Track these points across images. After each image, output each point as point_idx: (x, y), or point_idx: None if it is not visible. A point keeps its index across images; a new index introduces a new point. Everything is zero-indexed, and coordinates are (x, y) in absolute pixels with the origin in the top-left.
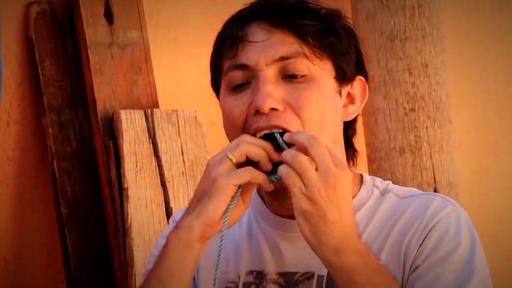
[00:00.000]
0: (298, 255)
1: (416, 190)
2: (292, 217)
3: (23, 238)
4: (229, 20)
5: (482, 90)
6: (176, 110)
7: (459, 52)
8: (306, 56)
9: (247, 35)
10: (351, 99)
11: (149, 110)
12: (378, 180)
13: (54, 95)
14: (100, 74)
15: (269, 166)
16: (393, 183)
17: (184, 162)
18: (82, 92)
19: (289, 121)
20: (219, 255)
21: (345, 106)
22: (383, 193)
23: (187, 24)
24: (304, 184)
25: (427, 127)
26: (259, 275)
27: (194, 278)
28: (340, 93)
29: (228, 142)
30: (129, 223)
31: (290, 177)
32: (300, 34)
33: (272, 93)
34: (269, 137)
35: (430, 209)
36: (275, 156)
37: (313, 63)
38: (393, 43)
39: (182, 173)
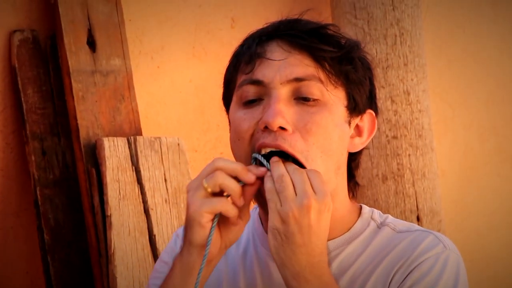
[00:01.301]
0: None
1: (415, 226)
2: None
3: (4, 266)
4: (249, 36)
5: (464, 117)
6: (159, 137)
7: (440, 78)
8: (320, 81)
9: (266, 52)
10: (359, 131)
11: (132, 138)
12: (376, 213)
13: (36, 123)
14: (82, 102)
15: (240, 202)
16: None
17: (167, 190)
18: (65, 119)
19: (294, 145)
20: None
21: (352, 137)
22: (380, 226)
23: (169, 52)
24: (280, 203)
25: (409, 155)
26: None
27: None
28: (349, 123)
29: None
30: (112, 250)
31: (270, 192)
32: (318, 58)
33: (283, 112)
34: (274, 154)
35: (419, 247)
36: (255, 171)
37: (326, 89)
38: (375, 71)
39: (166, 201)
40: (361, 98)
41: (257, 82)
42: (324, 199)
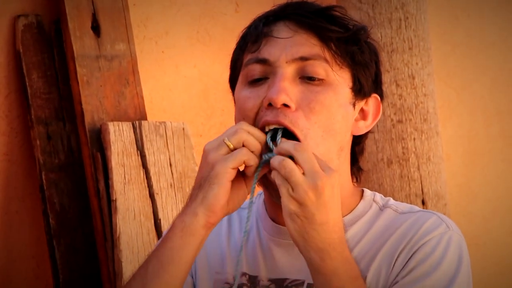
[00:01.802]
0: (290, 262)
1: (416, 207)
2: None
3: (10, 251)
4: (257, 18)
5: (469, 101)
6: (164, 122)
7: (445, 63)
8: (326, 60)
9: (272, 31)
10: (364, 115)
11: (137, 122)
12: (378, 196)
13: (41, 107)
14: (87, 86)
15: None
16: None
17: (172, 174)
18: (70, 104)
19: (295, 122)
20: (245, 232)
21: (356, 120)
22: (382, 208)
23: (174, 36)
24: (292, 188)
25: (414, 139)
26: (252, 280)
27: (192, 277)
28: (354, 105)
29: None
30: (117, 235)
31: (278, 178)
32: (324, 38)
33: (287, 90)
34: (276, 131)
35: (422, 228)
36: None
37: (332, 69)
38: (380, 55)
39: (171, 185)
40: (367, 81)
41: (263, 61)
42: (333, 175)
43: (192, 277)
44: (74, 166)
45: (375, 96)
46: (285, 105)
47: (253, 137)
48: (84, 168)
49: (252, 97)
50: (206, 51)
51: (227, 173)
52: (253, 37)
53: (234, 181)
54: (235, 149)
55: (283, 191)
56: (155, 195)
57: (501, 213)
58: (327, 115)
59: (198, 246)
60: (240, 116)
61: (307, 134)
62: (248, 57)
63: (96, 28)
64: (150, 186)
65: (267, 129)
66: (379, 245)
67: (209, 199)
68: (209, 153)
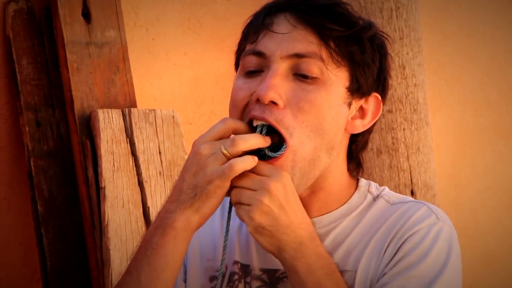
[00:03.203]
0: None
1: (408, 198)
2: None
3: None
4: (264, 6)
5: (459, 92)
6: (154, 110)
7: (436, 53)
8: (321, 59)
9: (272, 24)
10: (363, 113)
11: (126, 110)
12: (373, 185)
13: (31, 94)
14: (77, 73)
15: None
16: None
17: (161, 162)
18: (59, 90)
19: (281, 120)
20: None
21: (353, 118)
22: (376, 198)
23: (165, 24)
24: (246, 205)
25: (404, 129)
26: (244, 268)
27: (184, 264)
28: (349, 104)
29: None
30: (106, 223)
31: (237, 208)
32: (322, 35)
33: (276, 87)
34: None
35: (411, 219)
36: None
37: (327, 67)
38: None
39: (160, 173)
40: (366, 81)
41: (259, 54)
42: (282, 176)
43: (184, 265)
44: (63, 153)
45: (375, 95)
46: (273, 102)
47: (249, 142)
48: (73, 155)
49: (244, 88)
50: (197, 38)
51: (225, 188)
52: (254, 27)
53: None
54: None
55: (241, 213)
56: (144, 183)
57: (490, 204)
58: (316, 115)
59: (187, 247)
60: (231, 105)
61: (292, 133)
62: (247, 47)
63: (86, 15)
64: (139, 174)
65: (255, 124)
66: (369, 236)
67: (205, 210)
68: (206, 162)
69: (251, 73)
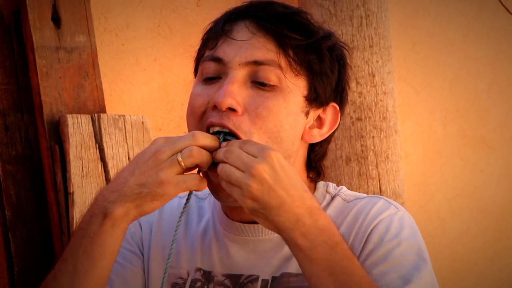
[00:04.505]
0: (245, 258)
1: (363, 194)
2: (243, 221)
3: None
4: (224, 13)
5: (428, 100)
6: (123, 115)
7: (405, 61)
8: (280, 67)
9: (232, 31)
10: (320, 123)
11: (96, 115)
12: (331, 186)
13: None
14: (46, 78)
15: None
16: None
17: None
18: (28, 95)
19: (239, 126)
20: (170, 253)
21: (311, 128)
22: (333, 198)
23: (134, 29)
24: (239, 187)
25: (373, 137)
26: (207, 275)
27: (144, 270)
28: (307, 113)
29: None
30: (74, 228)
31: (227, 186)
32: (281, 43)
33: (234, 93)
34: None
35: (371, 212)
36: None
37: (285, 76)
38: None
39: None
40: (324, 90)
41: (218, 60)
42: (270, 154)
43: (144, 271)
44: (32, 158)
45: (333, 105)
46: (231, 109)
47: (206, 154)
48: (41, 160)
49: (202, 95)
50: (167, 44)
51: (173, 195)
52: (214, 33)
53: None
54: (187, 168)
55: (236, 195)
56: None
57: (458, 212)
58: (274, 122)
59: (123, 236)
60: (189, 112)
61: (251, 138)
62: (206, 53)
63: (56, 20)
64: (108, 179)
65: (211, 130)
66: None
67: (146, 209)
68: (161, 165)
69: (210, 80)
